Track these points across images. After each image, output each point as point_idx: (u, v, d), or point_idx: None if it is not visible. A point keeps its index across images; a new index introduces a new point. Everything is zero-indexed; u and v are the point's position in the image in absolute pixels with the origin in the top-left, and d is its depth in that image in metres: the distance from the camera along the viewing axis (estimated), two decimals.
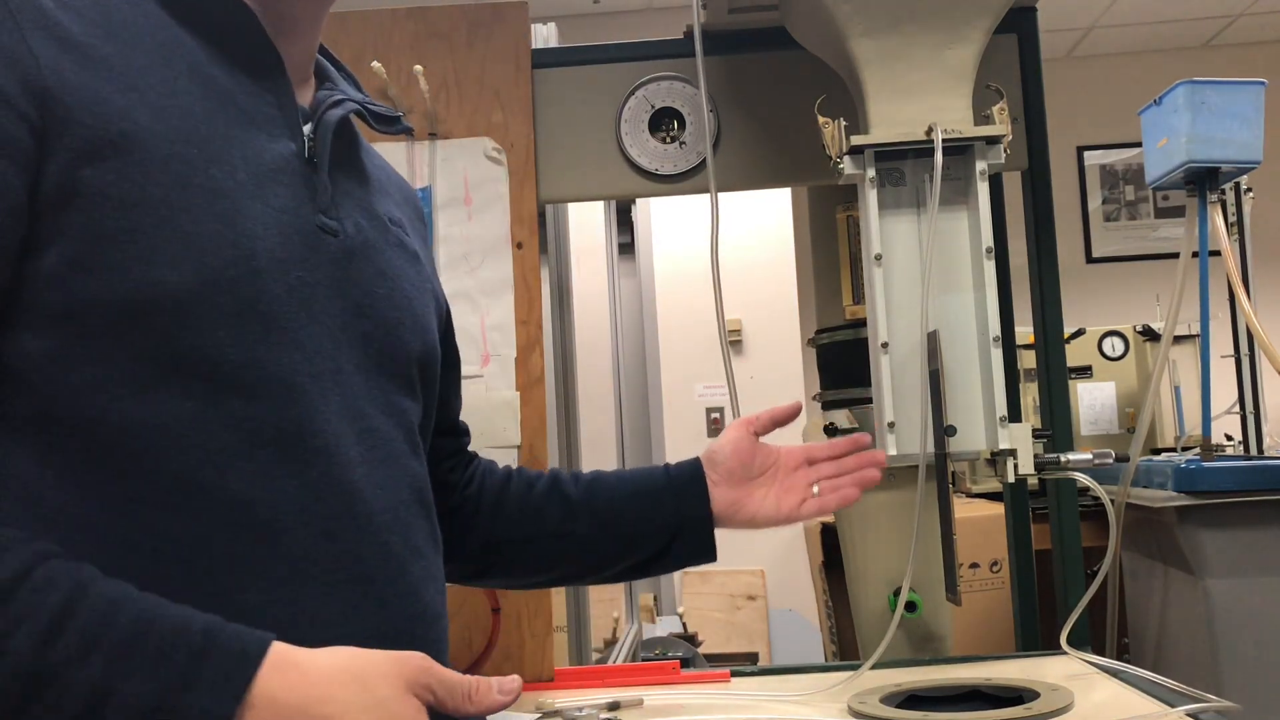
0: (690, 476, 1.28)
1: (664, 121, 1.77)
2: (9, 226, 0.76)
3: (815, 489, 1.30)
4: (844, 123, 1.45)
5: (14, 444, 0.78)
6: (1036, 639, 1.85)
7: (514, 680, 0.81)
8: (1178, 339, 3.01)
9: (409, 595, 0.92)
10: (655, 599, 4.16)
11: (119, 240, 0.78)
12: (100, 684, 0.70)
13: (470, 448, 1.29)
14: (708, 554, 1.28)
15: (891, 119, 1.44)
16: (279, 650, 0.75)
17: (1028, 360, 2.04)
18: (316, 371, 0.87)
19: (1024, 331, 1.88)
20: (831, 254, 1.86)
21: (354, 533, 0.87)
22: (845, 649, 3.15)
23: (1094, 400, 3.10)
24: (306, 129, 0.94)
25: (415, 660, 0.78)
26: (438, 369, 1.07)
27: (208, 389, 0.81)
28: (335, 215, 0.94)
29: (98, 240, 0.78)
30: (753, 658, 3.97)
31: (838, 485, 1.31)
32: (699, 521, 1.27)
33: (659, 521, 1.26)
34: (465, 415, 1.27)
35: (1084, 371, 3.09)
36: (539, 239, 1.73)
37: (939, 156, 1.37)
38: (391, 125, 1.07)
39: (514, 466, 1.32)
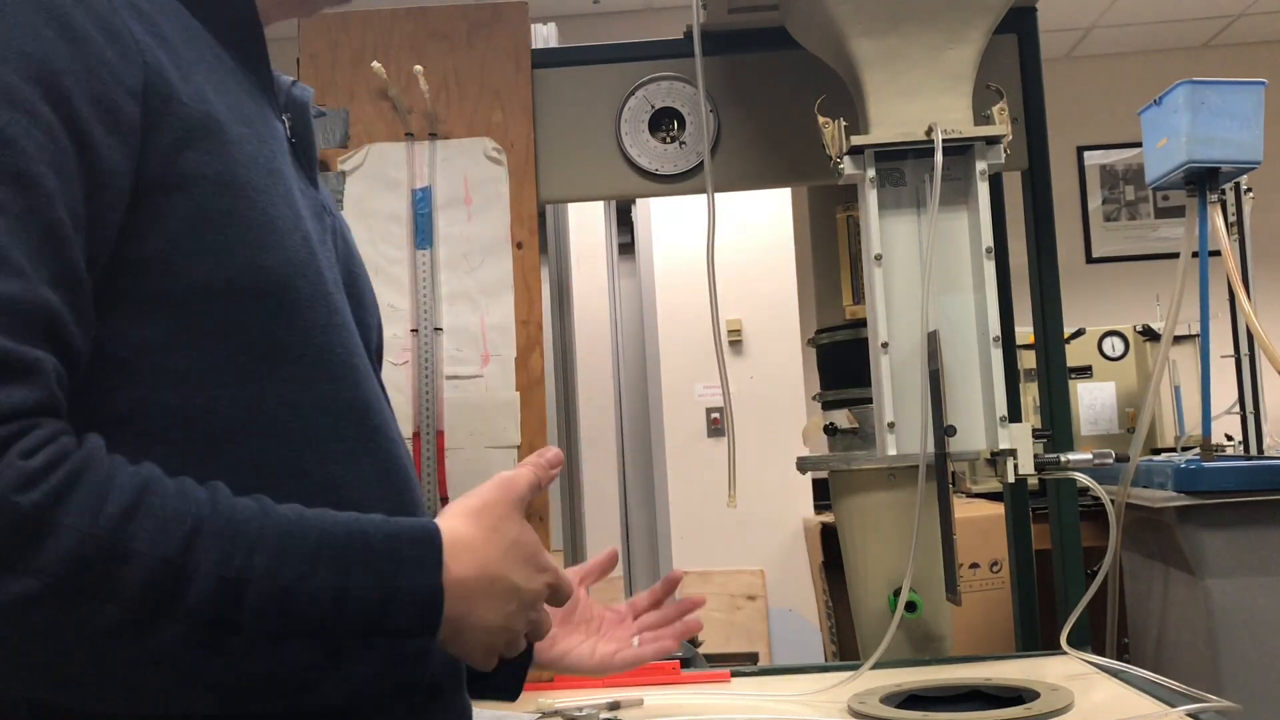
0: None
1: (664, 121, 1.77)
2: (113, 207, 0.73)
3: (635, 641, 1.31)
4: (844, 123, 1.45)
5: (117, 434, 0.74)
6: (1036, 639, 1.85)
7: (552, 451, 0.91)
8: (1178, 339, 3.01)
9: None
10: None
11: (218, 223, 0.77)
12: (336, 586, 0.73)
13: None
14: (510, 695, 1.16)
15: (891, 119, 1.44)
16: (446, 533, 0.80)
17: (1028, 360, 2.04)
18: (360, 351, 0.89)
19: (1024, 331, 1.88)
20: (831, 254, 1.86)
21: (411, 504, 0.91)
22: (845, 649, 3.15)
23: (1094, 400, 3.10)
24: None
25: (508, 487, 0.85)
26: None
27: (299, 372, 0.81)
28: (324, 195, 0.96)
29: (199, 224, 0.76)
30: (753, 658, 3.97)
31: (658, 636, 1.31)
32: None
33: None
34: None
35: (1084, 371, 3.09)
36: (539, 239, 1.73)
37: (939, 156, 1.37)
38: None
39: None
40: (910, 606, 1.72)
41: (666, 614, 1.33)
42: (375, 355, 1.00)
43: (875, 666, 1.46)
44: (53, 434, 0.67)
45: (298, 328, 0.81)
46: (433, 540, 0.78)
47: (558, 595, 0.87)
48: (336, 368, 0.85)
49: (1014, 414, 1.42)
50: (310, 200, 0.90)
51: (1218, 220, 1.94)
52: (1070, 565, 1.71)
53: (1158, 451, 2.75)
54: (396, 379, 1.68)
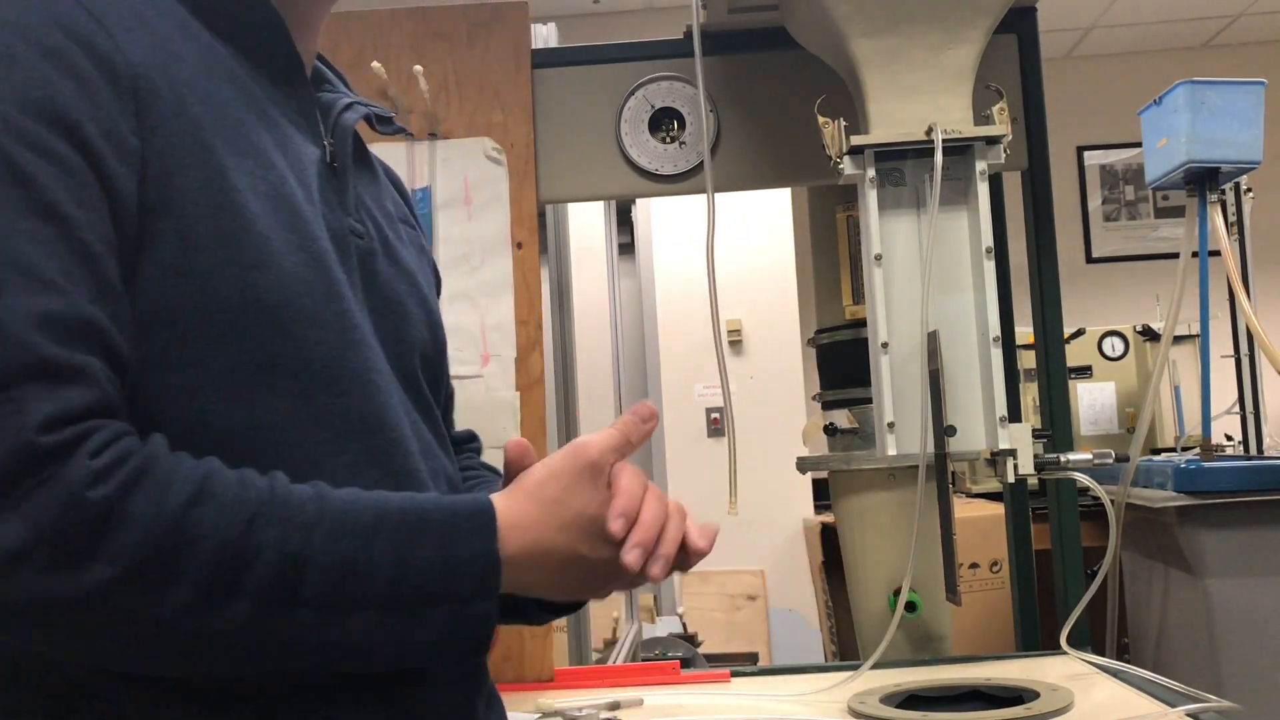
0: None
1: (664, 121, 1.77)
2: (128, 232, 0.78)
3: None
4: (844, 123, 1.44)
5: None
6: (1036, 639, 1.85)
7: (646, 407, 0.91)
8: (1178, 339, 3.01)
9: None
10: (655, 599, 4.16)
11: (210, 245, 0.80)
12: (396, 558, 0.77)
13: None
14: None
15: (891, 119, 1.44)
16: (501, 513, 0.82)
17: (1028, 360, 2.04)
18: (380, 368, 0.92)
19: (1024, 331, 1.88)
20: (831, 254, 1.86)
21: None
22: (845, 649, 3.15)
23: (1094, 400, 3.10)
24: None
25: (577, 455, 0.86)
26: (446, 360, 1.11)
27: (298, 388, 0.84)
28: (359, 217, 0.97)
29: (190, 245, 0.80)
30: (753, 658, 3.96)
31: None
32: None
33: None
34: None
35: (1084, 371, 3.09)
36: (539, 239, 1.73)
37: (939, 156, 1.37)
38: (389, 125, 1.09)
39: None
40: (910, 606, 1.72)
41: None
42: (425, 369, 1.01)
43: (875, 666, 1.46)
44: (115, 434, 0.73)
45: (297, 344, 0.84)
46: (487, 514, 0.82)
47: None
48: (344, 382, 0.87)
49: (1014, 414, 1.42)
50: (336, 224, 0.92)
51: (1218, 220, 1.93)
52: (1070, 565, 1.71)
53: (1158, 451, 2.76)
54: None
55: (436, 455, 0.97)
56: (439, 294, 1.18)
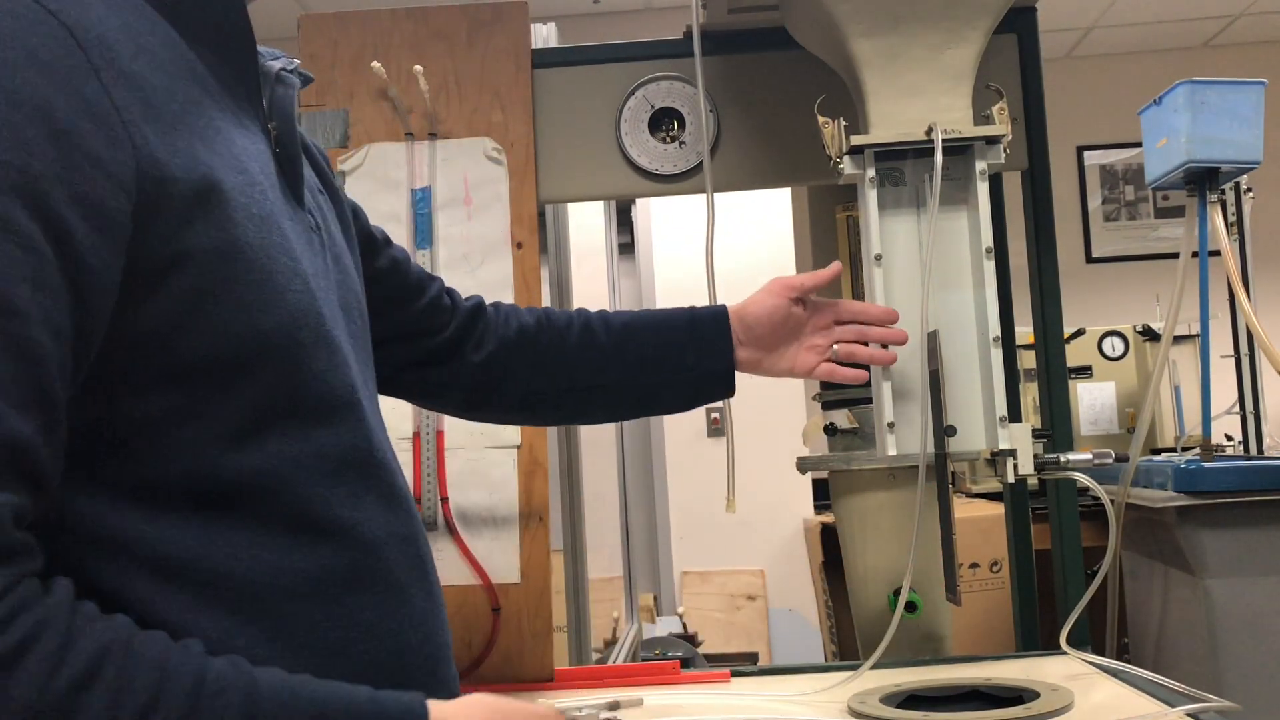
0: (716, 330, 1.35)
1: (664, 121, 1.77)
2: (100, 304, 0.71)
3: (835, 348, 1.36)
4: (844, 123, 1.44)
5: (124, 510, 0.75)
6: (1036, 639, 1.85)
7: None
8: (1178, 339, 3.01)
9: (434, 576, 0.96)
10: (655, 599, 4.16)
11: (217, 294, 0.75)
12: None
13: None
14: (728, 395, 1.37)
15: (891, 119, 1.44)
16: (434, 707, 0.78)
17: (1028, 360, 2.04)
18: (357, 381, 0.88)
19: (1024, 331, 1.88)
20: (831, 254, 1.86)
21: (415, 533, 0.92)
22: (845, 649, 3.15)
23: (1094, 400, 3.10)
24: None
25: (533, 713, 0.84)
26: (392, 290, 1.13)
27: (297, 426, 0.81)
28: (309, 209, 0.93)
29: (199, 298, 0.75)
30: (753, 658, 3.97)
31: (854, 353, 1.35)
32: (721, 374, 1.34)
33: (683, 375, 1.33)
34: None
35: (1084, 371, 3.09)
36: (539, 239, 1.73)
37: (939, 156, 1.37)
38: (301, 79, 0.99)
39: (541, 310, 1.36)
40: (910, 606, 1.71)
41: (868, 333, 1.36)
42: (367, 338, 0.98)
43: (875, 666, 1.46)
44: (8, 583, 0.64)
45: (297, 381, 0.81)
46: (416, 716, 0.77)
47: None
48: (336, 411, 0.85)
49: (1014, 414, 1.42)
50: (299, 224, 0.88)
51: (1218, 220, 1.93)
52: (1070, 565, 1.71)
53: (1158, 451, 2.76)
54: None
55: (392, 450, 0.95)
56: (369, 230, 1.15)
